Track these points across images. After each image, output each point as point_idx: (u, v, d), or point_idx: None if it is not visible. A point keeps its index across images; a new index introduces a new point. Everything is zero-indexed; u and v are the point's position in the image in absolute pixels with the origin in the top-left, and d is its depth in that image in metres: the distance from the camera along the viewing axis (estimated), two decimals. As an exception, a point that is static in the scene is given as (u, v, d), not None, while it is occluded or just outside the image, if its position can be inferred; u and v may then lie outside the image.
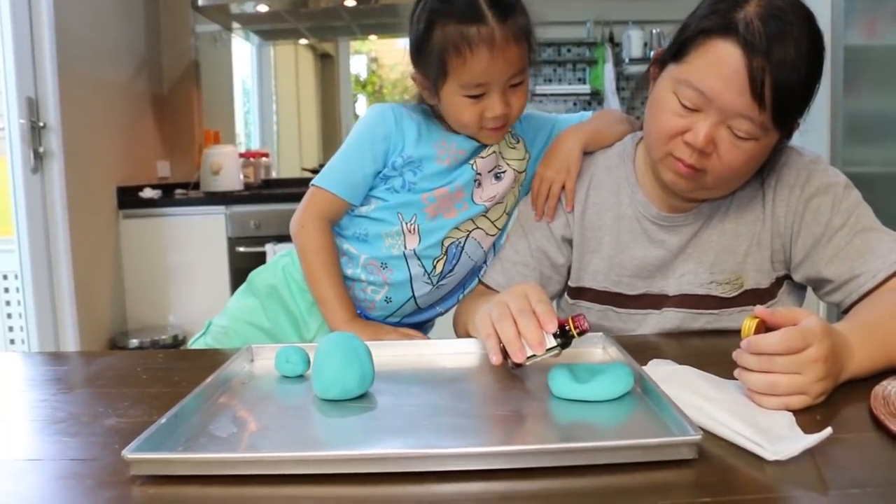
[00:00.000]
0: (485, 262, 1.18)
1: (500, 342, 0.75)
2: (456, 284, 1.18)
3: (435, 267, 1.13)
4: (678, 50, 0.91)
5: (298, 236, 1.14)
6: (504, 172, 1.13)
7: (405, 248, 1.11)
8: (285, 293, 1.17)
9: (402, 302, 1.14)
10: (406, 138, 1.11)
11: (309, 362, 0.81)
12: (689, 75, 0.89)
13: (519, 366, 0.75)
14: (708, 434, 0.62)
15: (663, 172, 0.97)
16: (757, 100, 0.85)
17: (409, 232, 1.11)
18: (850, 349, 0.74)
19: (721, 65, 0.86)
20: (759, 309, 0.71)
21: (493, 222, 1.15)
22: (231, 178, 3.14)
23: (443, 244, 1.12)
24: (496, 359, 0.75)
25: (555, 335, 0.74)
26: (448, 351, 0.90)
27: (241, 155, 3.37)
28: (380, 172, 1.12)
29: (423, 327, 1.24)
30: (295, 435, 0.65)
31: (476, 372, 0.83)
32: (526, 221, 1.14)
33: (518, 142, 1.15)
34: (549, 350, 0.74)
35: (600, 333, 0.90)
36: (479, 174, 1.11)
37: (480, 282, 1.15)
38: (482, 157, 1.11)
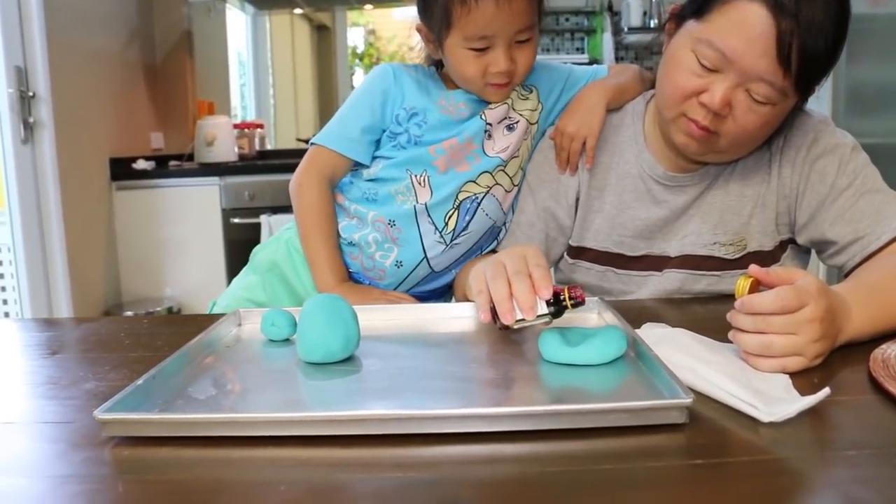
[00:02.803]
0: (504, 224, 1.16)
1: (492, 301, 0.74)
2: (473, 245, 1.15)
3: (447, 224, 1.11)
4: (700, 7, 0.89)
5: (295, 195, 1.13)
6: (517, 123, 1.11)
7: (417, 201, 1.10)
8: (287, 268, 1.16)
9: (413, 264, 1.13)
10: (405, 91, 1.10)
11: (295, 326, 0.80)
12: (711, 34, 0.86)
13: (507, 328, 0.74)
14: (701, 397, 0.61)
15: (675, 134, 0.96)
16: (782, 64, 0.83)
17: (420, 185, 1.10)
18: (848, 310, 0.72)
19: (746, 26, 0.83)
20: (754, 268, 0.70)
21: (511, 178, 1.13)
22: (225, 149, 3.12)
23: (456, 198, 1.10)
24: (484, 316, 0.74)
25: (548, 302, 0.73)
26: (439, 315, 0.89)
27: (236, 126, 3.34)
28: (385, 131, 1.11)
29: (438, 297, 1.23)
30: (275, 397, 0.64)
31: (467, 336, 0.83)
32: (533, 180, 1.13)
33: (531, 92, 1.13)
34: (539, 316, 0.73)
35: (596, 298, 0.89)
36: (490, 125, 1.09)
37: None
38: (491, 109, 1.09)
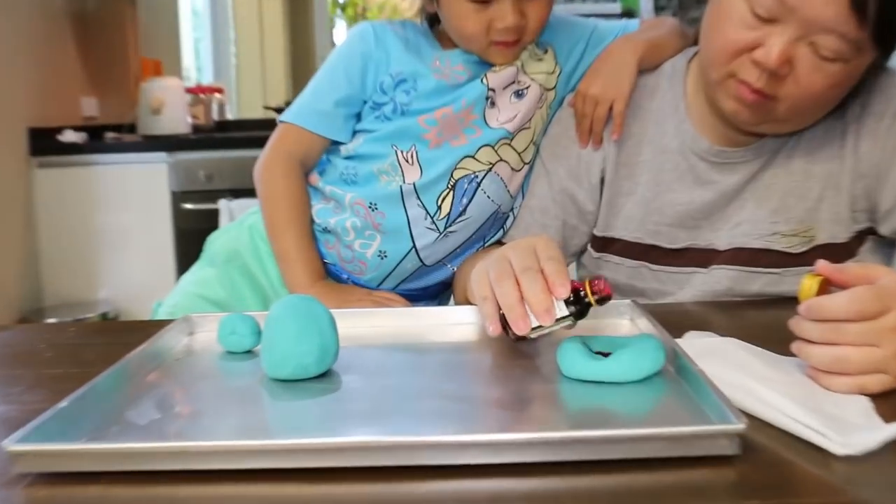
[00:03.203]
0: (512, 210, 1.17)
1: (500, 308, 0.74)
2: (473, 235, 1.16)
3: (440, 207, 1.12)
4: None
5: (261, 182, 1.15)
6: (527, 89, 1.12)
7: (403, 181, 1.11)
8: (251, 259, 1.18)
9: (400, 256, 1.14)
10: (391, 53, 1.11)
11: (260, 334, 0.81)
12: None
13: (522, 339, 0.75)
14: (757, 422, 0.61)
15: (722, 100, 0.96)
16: (856, 10, 0.83)
17: (407, 162, 1.11)
18: None
19: None
20: (822, 265, 0.69)
21: (519, 154, 1.14)
22: (175, 118, 3.13)
23: (451, 177, 1.11)
24: (493, 328, 0.74)
25: (567, 302, 0.73)
26: (435, 321, 0.90)
27: (189, 90, 3.35)
28: (367, 102, 1.13)
29: (431, 297, 1.24)
30: (234, 422, 0.64)
31: (468, 347, 0.83)
32: (548, 156, 1.13)
33: (546, 52, 1.14)
34: (559, 321, 0.73)
35: (628, 301, 0.90)
36: (493, 90, 1.10)
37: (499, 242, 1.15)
38: (495, 72, 1.10)
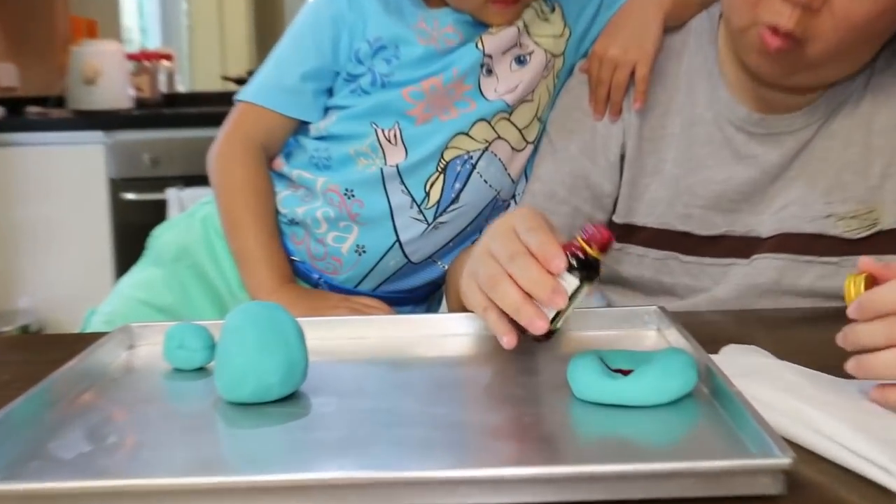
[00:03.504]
0: (514, 197, 1.18)
1: (504, 313, 0.75)
2: (468, 226, 1.17)
3: (428, 194, 1.12)
4: None
5: (216, 169, 1.16)
6: (530, 54, 1.12)
7: (385, 163, 1.11)
8: (204, 257, 1.18)
9: (381, 251, 1.15)
10: (367, 16, 1.11)
11: (214, 348, 0.80)
12: None
13: (547, 337, 0.75)
14: (807, 455, 0.61)
15: (745, 52, 0.97)
16: None
17: (390, 142, 1.11)
18: None
19: None
20: (865, 261, 0.69)
21: (521, 131, 1.14)
22: (114, 90, 3.12)
23: (441, 157, 1.11)
24: (508, 340, 0.75)
25: (571, 269, 0.74)
26: (425, 332, 0.90)
27: (131, 57, 3.34)
28: (339, 74, 1.13)
29: (419, 301, 1.25)
30: (182, 455, 0.64)
31: (464, 362, 0.83)
32: (556, 132, 1.13)
33: (553, 10, 1.14)
34: (572, 297, 0.74)
35: (654, 308, 0.90)
36: (489, 56, 1.10)
37: None
38: (492, 34, 1.10)
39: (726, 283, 1.05)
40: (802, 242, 1.02)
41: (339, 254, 1.15)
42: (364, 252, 1.14)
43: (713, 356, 0.75)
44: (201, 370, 0.81)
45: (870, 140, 1.01)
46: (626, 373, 0.71)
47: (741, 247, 1.05)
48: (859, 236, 1.01)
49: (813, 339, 0.91)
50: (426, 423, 0.67)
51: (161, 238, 1.23)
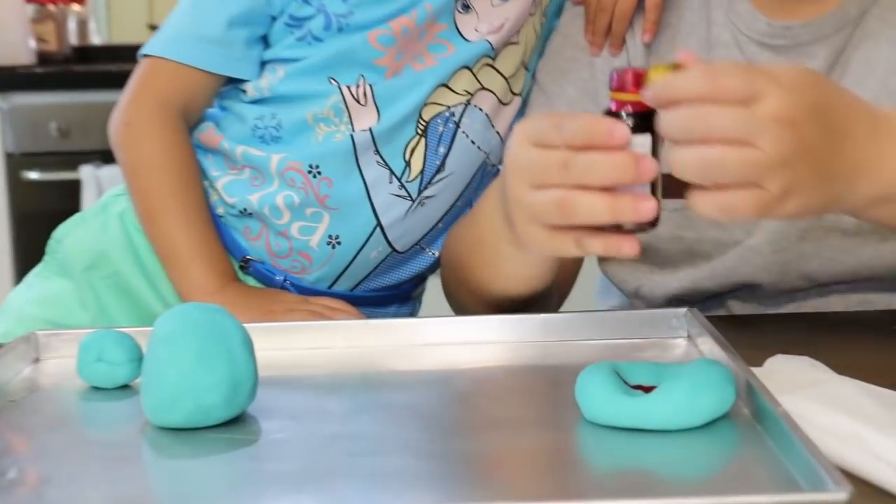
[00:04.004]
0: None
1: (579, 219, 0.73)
2: (457, 200, 1.17)
3: (409, 163, 1.13)
4: None
5: (124, 144, 1.15)
6: None
7: (353, 129, 1.11)
8: (126, 264, 1.17)
9: (360, 241, 1.15)
10: None
11: (141, 360, 0.80)
12: None
13: (655, 222, 0.74)
14: (868, 489, 0.62)
15: None
16: None
17: (358, 102, 1.11)
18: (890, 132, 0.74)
19: None
20: (686, 52, 0.72)
21: (507, 80, 1.15)
22: (10, 42, 3.09)
23: (420, 117, 1.12)
24: (631, 246, 0.73)
25: (632, 123, 0.72)
26: (402, 340, 0.90)
27: (31, 0, 3.31)
28: (278, 17, 1.12)
29: (405, 299, 1.25)
30: (101, 491, 0.64)
31: (449, 376, 0.83)
32: (547, 77, 1.15)
33: None
34: (655, 155, 0.73)
35: (683, 310, 0.91)
36: None
37: None
38: None
39: (762, 232, 1.05)
40: None
41: (307, 248, 1.15)
42: (339, 243, 1.14)
43: (755, 369, 0.76)
44: (125, 388, 0.81)
45: None
46: (647, 389, 0.71)
47: None
48: None
49: (880, 348, 0.92)
50: (401, 452, 0.67)
51: (67, 241, 1.20)
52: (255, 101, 1.14)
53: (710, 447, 0.67)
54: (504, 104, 1.15)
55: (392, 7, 1.09)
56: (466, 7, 1.11)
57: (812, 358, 0.80)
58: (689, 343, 0.88)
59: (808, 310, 1.07)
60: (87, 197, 2.68)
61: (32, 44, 3.17)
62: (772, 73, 0.69)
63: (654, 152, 0.72)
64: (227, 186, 1.15)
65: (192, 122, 1.16)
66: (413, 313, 1.29)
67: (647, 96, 0.70)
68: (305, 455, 0.68)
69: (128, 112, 1.14)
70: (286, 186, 1.13)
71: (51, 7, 3.34)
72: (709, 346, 0.83)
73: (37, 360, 0.88)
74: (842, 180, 0.73)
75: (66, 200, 2.69)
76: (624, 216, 0.71)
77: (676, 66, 0.71)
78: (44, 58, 3.22)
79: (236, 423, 0.73)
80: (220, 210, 1.16)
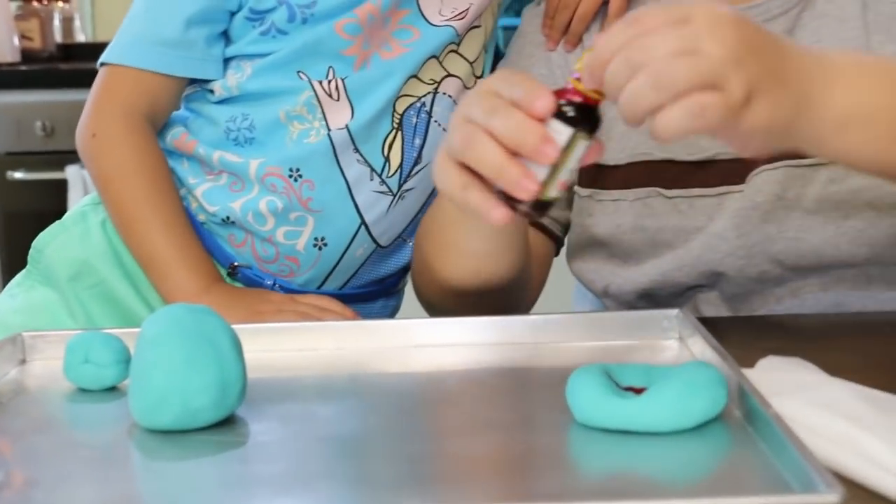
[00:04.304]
0: None
1: (482, 181, 0.74)
2: (434, 189, 1.15)
3: (388, 159, 1.13)
4: None
5: (92, 155, 1.14)
6: None
7: (329, 128, 1.11)
8: (111, 273, 1.16)
9: (346, 240, 1.15)
10: None
11: (129, 362, 0.80)
12: None
13: (544, 207, 0.74)
14: (860, 492, 0.62)
15: None
16: None
17: (331, 97, 1.11)
18: (821, 64, 0.75)
19: None
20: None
21: (471, 64, 1.16)
22: (-5, 39, 3.09)
23: (394, 110, 1.12)
24: (498, 214, 0.73)
25: (564, 118, 0.72)
26: (394, 341, 0.90)
27: (17, -5, 3.30)
28: (237, 11, 1.11)
29: (391, 293, 1.26)
30: (88, 495, 0.64)
31: (440, 378, 0.84)
32: (511, 62, 1.16)
33: None
34: (567, 151, 0.72)
35: (675, 312, 0.91)
36: None
37: None
38: None
39: (722, 218, 1.06)
40: None
41: (294, 252, 1.15)
42: (325, 245, 1.14)
43: (747, 371, 0.76)
44: (112, 390, 0.80)
45: (865, 15, 1.04)
46: (638, 391, 0.71)
47: (735, 170, 1.06)
48: None
49: (872, 350, 0.92)
50: (391, 455, 0.68)
51: (48, 250, 1.19)
52: (224, 101, 1.14)
53: (702, 449, 0.67)
54: (468, 88, 1.15)
55: None
56: None
57: (804, 360, 0.80)
58: (680, 344, 0.89)
59: (783, 312, 1.07)
60: (74, 196, 2.67)
61: (16, 41, 3.16)
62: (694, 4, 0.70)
63: (569, 145, 0.72)
64: (207, 194, 1.15)
65: (158, 125, 1.16)
66: (398, 306, 1.29)
67: (585, 76, 0.71)
68: (294, 457, 0.68)
69: (92, 123, 1.13)
70: (267, 192, 1.13)
71: (35, 4, 3.33)
72: (700, 347, 0.84)
73: (23, 362, 0.88)
74: (795, 86, 0.73)
75: (53, 200, 2.69)
76: (504, 179, 0.72)
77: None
78: (28, 55, 3.22)
79: (225, 425, 0.73)
80: (201, 217, 1.16)
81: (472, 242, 0.97)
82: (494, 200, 0.74)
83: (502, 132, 0.72)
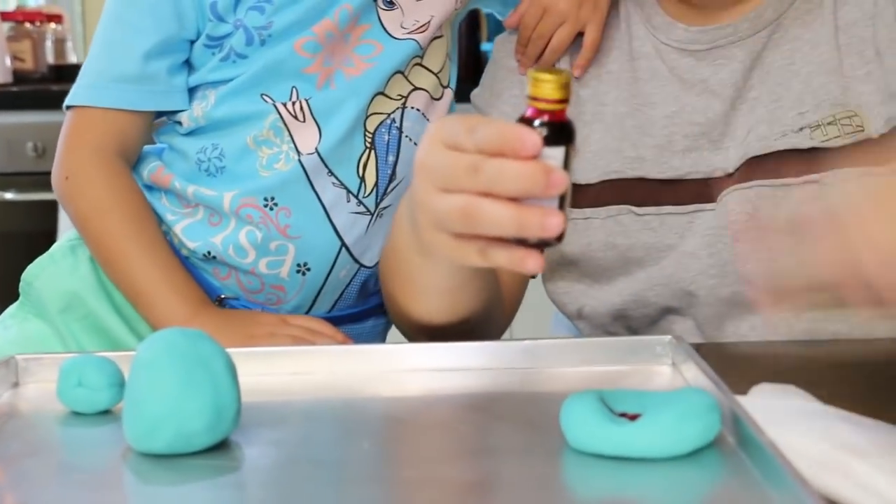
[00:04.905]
0: None
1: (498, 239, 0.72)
2: None
3: (363, 179, 1.13)
4: None
5: (68, 196, 1.15)
6: None
7: (299, 152, 1.11)
8: (101, 306, 1.17)
9: (328, 263, 1.15)
10: None
11: (123, 386, 0.79)
12: None
13: (560, 238, 0.73)
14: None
15: None
16: None
17: (296, 118, 1.11)
18: None
19: None
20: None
21: (436, 75, 1.17)
22: (-14, 60, 3.08)
23: (365, 128, 1.12)
24: (534, 263, 0.72)
25: (546, 141, 0.70)
26: (387, 366, 0.90)
27: (6, 17, 3.29)
28: (196, 40, 1.12)
29: (376, 314, 1.26)
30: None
31: (432, 403, 0.84)
32: (483, 102, 1.18)
33: None
34: (566, 168, 0.71)
35: (668, 338, 0.91)
36: None
37: None
38: None
39: (693, 237, 1.06)
40: (775, 163, 1.04)
41: (278, 280, 1.15)
42: (308, 270, 1.15)
43: (740, 398, 0.76)
44: (106, 414, 0.80)
45: (837, 38, 1.05)
46: (632, 417, 0.71)
47: (705, 190, 1.07)
48: (842, 143, 1.03)
49: (871, 380, 0.92)
50: (385, 480, 0.68)
51: (37, 283, 1.19)
52: (193, 133, 1.14)
53: (696, 475, 0.67)
54: (436, 99, 1.17)
55: (310, 10, 1.09)
56: (390, 3, 1.12)
57: (797, 387, 0.80)
58: (673, 370, 0.89)
59: (755, 339, 1.08)
60: (65, 219, 2.65)
61: (8, 62, 3.16)
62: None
63: (566, 164, 0.71)
64: (187, 231, 1.15)
65: (132, 160, 1.16)
66: (389, 323, 1.29)
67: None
68: (287, 482, 0.68)
69: (65, 166, 1.14)
70: (245, 223, 1.13)
71: (28, 25, 3.33)
72: (693, 373, 0.84)
73: (16, 385, 0.87)
74: None
75: (44, 221, 2.68)
76: (529, 230, 0.70)
77: (557, 72, 0.70)
78: (20, 77, 3.21)
79: (219, 449, 0.72)
80: (184, 252, 1.16)
81: (440, 280, 0.94)
82: (521, 253, 0.72)
83: (505, 187, 0.70)
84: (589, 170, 1.11)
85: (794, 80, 1.05)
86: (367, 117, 1.12)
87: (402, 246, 0.92)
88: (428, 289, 0.96)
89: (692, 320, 1.10)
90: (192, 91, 1.14)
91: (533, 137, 0.68)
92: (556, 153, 0.71)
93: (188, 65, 1.14)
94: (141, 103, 1.13)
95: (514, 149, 0.69)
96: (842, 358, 0.99)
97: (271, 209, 1.12)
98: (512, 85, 1.16)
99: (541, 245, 0.72)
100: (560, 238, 0.73)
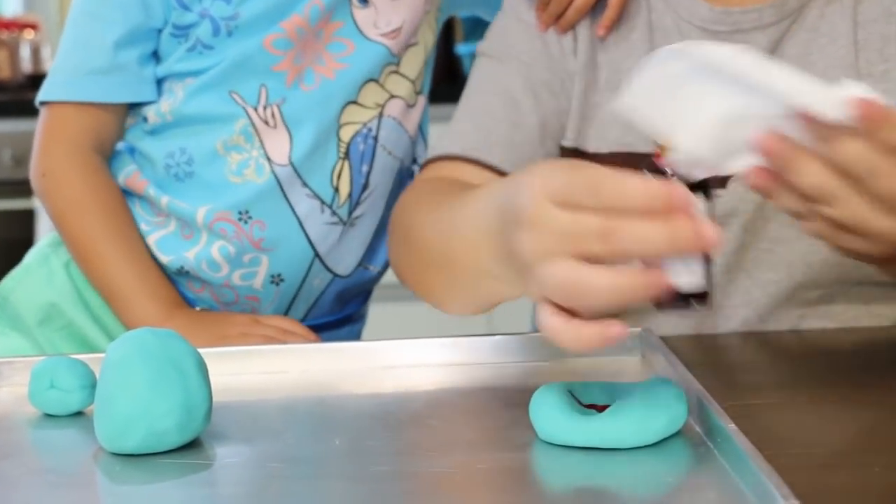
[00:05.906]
0: (414, 160, 1.20)
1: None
2: (384, 212, 1.18)
3: (337, 190, 1.13)
4: None
5: (45, 192, 1.14)
6: None
7: (270, 160, 1.10)
8: (79, 315, 1.16)
9: (301, 273, 1.15)
10: None
11: (94, 387, 0.79)
12: None
13: (703, 298, 0.67)
14: (817, 502, 0.62)
15: None
16: None
17: (267, 124, 1.10)
18: None
19: None
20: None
21: (412, 82, 1.16)
22: (-39, 69, 3.07)
23: (339, 138, 1.12)
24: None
25: (692, 187, 0.65)
26: (360, 363, 0.90)
27: (-18, 25, 3.28)
28: (163, 28, 1.11)
29: (352, 321, 1.26)
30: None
31: (404, 399, 0.83)
32: (493, 49, 1.15)
33: None
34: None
35: (638, 330, 0.91)
36: None
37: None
38: None
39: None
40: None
41: (252, 291, 1.14)
42: (282, 280, 1.14)
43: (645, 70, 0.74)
44: (78, 415, 0.80)
45: (855, 34, 1.05)
46: (600, 409, 0.72)
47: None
48: None
49: (832, 365, 0.92)
50: (357, 476, 0.67)
51: (13, 297, 1.18)
52: (160, 132, 1.13)
53: (663, 465, 0.68)
54: (411, 106, 1.17)
55: (278, 4, 1.08)
56: (364, 1, 1.11)
57: (763, 375, 0.81)
58: (642, 362, 0.89)
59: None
60: (42, 226, 2.65)
61: (-17, 71, 3.15)
62: None
63: (712, 211, 0.68)
64: (160, 244, 1.14)
65: (108, 154, 1.16)
66: (362, 329, 1.30)
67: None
68: (259, 480, 0.68)
69: (41, 163, 1.14)
70: (218, 237, 1.12)
71: (3, 34, 3.31)
72: (661, 364, 0.84)
73: (-12, 387, 0.87)
74: None
75: (21, 229, 2.67)
76: (652, 288, 0.61)
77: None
78: (-4, 84, 3.21)
79: (190, 448, 0.72)
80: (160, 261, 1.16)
81: (508, 297, 0.83)
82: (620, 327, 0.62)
83: (653, 252, 0.61)
84: (597, 138, 1.10)
85: (810, 72, 1.05)
86: (340, 127, 1.12)
87: (472, 266, 0.81)
88: (485, 299, 0.89)
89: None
90: (159, 84, 1.14)
91: (680, 191, 0.60)
92: (697, 202, 0.63)
93: (156, 56, 1.13)
94: (115, 95, 1.12)
95: (662, 207, 0.60)
96: (818, 347, 1.00)
97: (245, 222, 1.11)
98: (530, 37, 1.13)
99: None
100: (703, 298, 0.68)
